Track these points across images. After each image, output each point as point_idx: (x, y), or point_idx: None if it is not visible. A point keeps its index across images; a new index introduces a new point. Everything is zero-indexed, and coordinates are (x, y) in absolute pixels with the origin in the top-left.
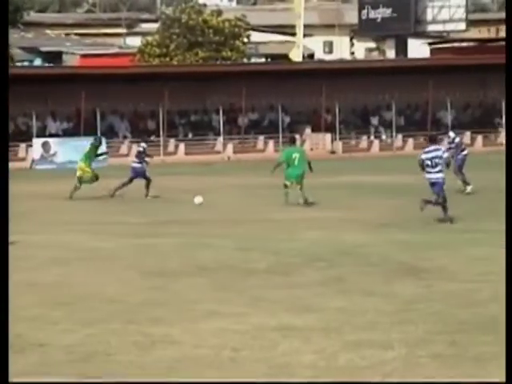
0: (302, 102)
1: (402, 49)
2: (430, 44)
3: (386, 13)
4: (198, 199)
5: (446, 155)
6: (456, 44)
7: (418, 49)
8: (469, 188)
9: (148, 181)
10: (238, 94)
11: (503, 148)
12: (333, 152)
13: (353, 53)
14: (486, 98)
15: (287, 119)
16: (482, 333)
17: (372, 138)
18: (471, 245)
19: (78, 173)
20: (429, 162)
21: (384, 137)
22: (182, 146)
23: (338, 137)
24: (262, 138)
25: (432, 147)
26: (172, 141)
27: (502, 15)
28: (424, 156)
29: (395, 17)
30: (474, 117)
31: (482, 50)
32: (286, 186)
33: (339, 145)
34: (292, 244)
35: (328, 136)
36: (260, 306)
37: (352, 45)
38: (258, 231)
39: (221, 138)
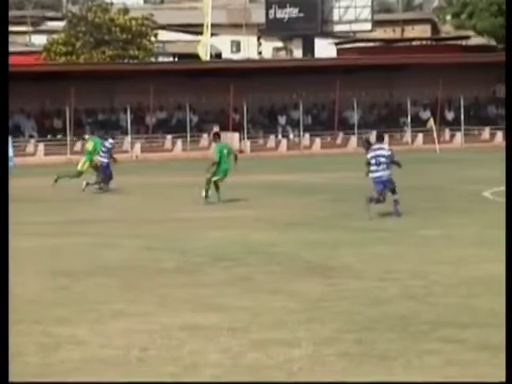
0: (209, 101)
1: (309, 48)
2: (336, 44)
3: (293, 12)
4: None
5: (388, 153)
6: (362, 44)
7: (324, 49)
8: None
9: (104, 177)
10: (145, 93)
11: (408, 147)
12: (241, 151)
13: (260, 52)
14: (391, 97)
15: (195, 118)
16: (388, 330)
17: (279, 137)
18: (377, 243)
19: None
20: (373, 161)
21: (291, 136)
22: None
23: (245, 136)
24: (169, 137)
25: (377, 146)
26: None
27: (407, 16)
28: (369, 155)
29: (302, 17)
30: (379, 116)
31: (387, 50)
32: (209, 182)
33: (247, 144)
34: (200, 243)
35: (236, 135)
36: (167, 305)
37: (259, 44)
38: (166, 231)
39: (128, 138)
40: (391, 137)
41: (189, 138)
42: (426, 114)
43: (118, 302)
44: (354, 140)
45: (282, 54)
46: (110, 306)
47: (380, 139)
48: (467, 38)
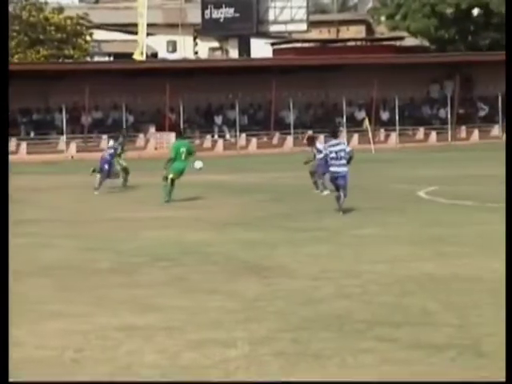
0: (145, 101)
1: (244, 48)
2: (272, 44)
3: (229, 13)
4: (198, 164)
5: (349, 149)
6: (298, 44)
7: (260, 49)
8: (325, 192)
9: (105, 174)
10: (81, 93)
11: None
12: None
13: (196, 52)
14: (327, 97)
15: (131, 118)
16: (323, 329)
17: (216, 137)
18: (313, 243)
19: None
20: (334, 155)
21: (228, 136)
22: (23, 145)
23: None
24: (105, 137)
25: (335, 141)
26: (13, 140)
27: (342, 16)
28: (329, 150)
29: (238, 17)
30: (315, 116)
31: (323, 50)
32: (165, 179)
33: (8, 143)
34: (136, 243)
35: (172, 135)
36: (103, 305)
37: (195, 44)
38: (103, 231)
39: (64, 137)
40: (327, 138)
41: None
42: (361, 115)
43: (55, 302)
44: (290, 140)
45: (218, 54)
46: (47, 307)
47: (335, 135)
48: (401, 38)
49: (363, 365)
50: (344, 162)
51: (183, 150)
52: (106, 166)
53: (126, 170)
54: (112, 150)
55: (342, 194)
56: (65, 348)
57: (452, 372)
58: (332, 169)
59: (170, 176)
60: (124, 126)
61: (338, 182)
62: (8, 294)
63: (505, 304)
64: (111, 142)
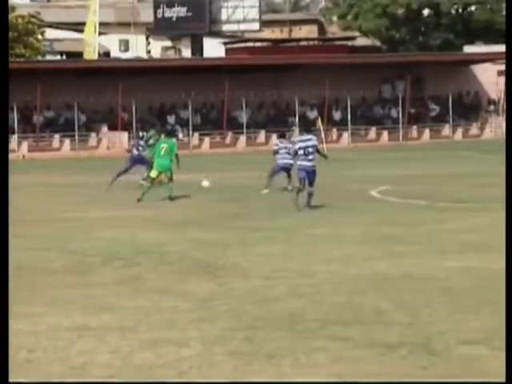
0: (98, 100)
1: (197, 48)
2: (225, 44)
3: (182, 12)
4: (206, 183)
5: (316, 144)
6: (250, 44)
7: (213, 48)
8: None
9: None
10: (32, 92)
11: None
12: (130, 151)
13: (149, 51)
14: (280, 97)
15: (83, 118)
16: (276, 329)
17: None
18: (266, 242)
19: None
20: (301, 151)
21: (181, 135)
22: None
23: (134, 135)
24: (57, 136)
25: (306, 136)
26: None
27: (294, 16)
28: (299, 145)
29: (190, 16)
30: (268, 116)
31: (275, 50)
32: (148, 178)
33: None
34: (89, 243)
35: (125, 135)
36: (56, 306)
37: (148, 43)
38: (55, 231)
39: (15, 137)
40: (280, 137)
41: (77, 138)
42: (313, 114)
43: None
44: (242, 139)
45: (171, 54)
46: None
47: (307, 131)
48: (353, 38)
49: (316, 364)
50: (312, 157)
51: (164, 146)
52: (143, 164)
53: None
54: (142, 143)
55: (310, 190)
56: (17, 348)
57: (403, 370)
58: (301, 163)
59: (152, 174)
60: (76, 126)
61: (305, 177)
62: (8, 294)
63: (505, 304)
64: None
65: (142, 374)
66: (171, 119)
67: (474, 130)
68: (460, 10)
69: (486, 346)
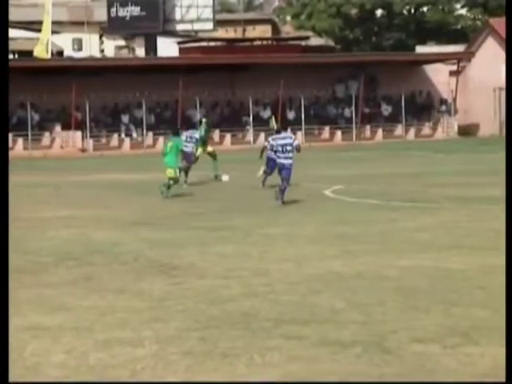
0: (51, 99)
1: (151, 47)
2: (179, 43)
3: (135, 11)
4: (225, 177)
5: (296, 143)
6: (204, 43)
7: (167, 47)
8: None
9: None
10: None
11: (250, 146)
12: (83, 150)
13: (102, 50)
14: (234, 96)
15: (36, 117)
16: (231, 328)
17: (123, 136)
18: (221, 242)
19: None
20: (280, 148)
21: (135, 135)
22: None
23: (88, 135)
24: (10, 135)
25: (282, 135)
26: None
27: (248, 16)
28: (275, 142)
29: (144, 15)
30: (222, 115)
31: (229, 49)
32: (170, 179)
33: (90, 143)
34: (44, 243)
35: (78, 134)
36: (10, 306)
37: (102, 42)
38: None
39: None
40: (234, 136)
41: (30, 137)
42: (267, 114)
43: None
44: None
45: (125, 53)
46: None
47: (285, 129)
48: (307, 38)
49: (270, 363)
50: (289, 154)
51: (170, 144)
52: (192, 157)
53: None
54: (194, 140)
55: (283, 185)
56: None
57: (357, 368)
58: (278, 160)
59: (169, 171)
60: (29, 125)
61: (281, 173)
62: (8, 294)
63: (505, 304)
64: (191, 132)
65: (97, 374)
66: (125, 119)
67: (426, 129)
68: (412, 11)
69: (439, 345)
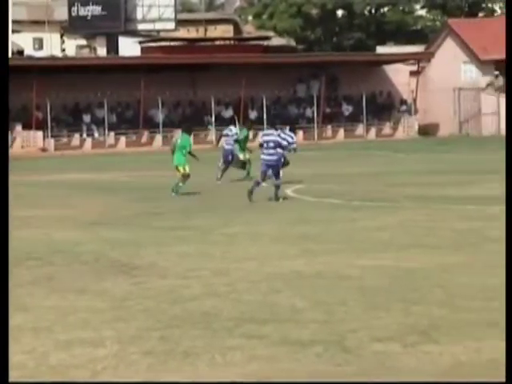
0: (12, 99)
1: (112, 47)
2: (140, 43)
3: (96, 10)
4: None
5: (285, 143)
6: (166, 43)
7: (129, 47)
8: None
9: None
10: None
11: (212, 146)
12: (44, 150)
13: (64, 50)
14: (195, 96)
15: None
16: (192, 327)
17: (84, 135)
18: (182, 241)
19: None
20: (265, 145)
21: (96, 134)
22: None
23: (49, 134)
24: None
25: (268, 131)
26: None
27: (210, 15)
28: (262, 139)
29: (105, 15)
30: (184, 115)
31: (191, 49)
32: (183, 176)
33: (51, 142)
34: None
35: (39, 133)
36: None
37: (63, 42)
38: None
39: None
40: (196, 135)
41: None
42: (228, 113)
43: None
44: (159, 138)
45: (86, 52)
46: None
47: (272, 127)
48: (268, 38)
49: (232, 362)
50: (272, 151)
51: (178, 141)
52: (230, 157)
53: (248, 162)
54: (233, 138)
55: (276, 182)
56: None
57: (318, 367)
58: (261, 156)
59: (179, 168)
60: None
61: (266, 170)
62: (8, 294)
63: (505, 304)
64: (233, 129)
65: (57, 375)
66: (87, 118)
67: (386, 129)
68: (373, 11)
69: (399, 343)
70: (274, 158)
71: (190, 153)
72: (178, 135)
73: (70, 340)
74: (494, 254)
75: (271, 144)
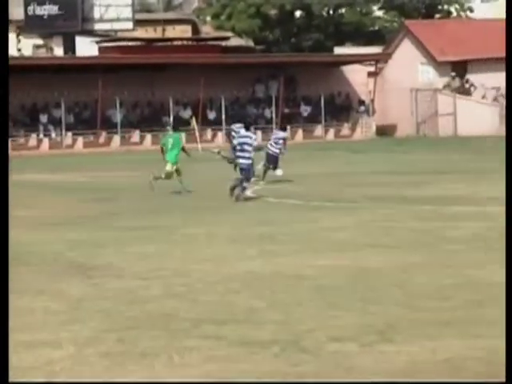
0: None
1: (69, 46)
2: (97, 42)
3: (53, 10)
4: (279, 172)
5: (256, 143)
6: (124, 43)
7: (86, 47)
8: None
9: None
10: None
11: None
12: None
13: (20, 49)
14: (154, 97)
15: None
16: (150, 328)
17: (41, 135)
18: (141, 242)
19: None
20: (239, 147)
21: (53, 135)
22: None
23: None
24: None
25: (244, 133)
26: None
27: (168, 15)
28: (237, 140)
29: (62, 14)
30: (142, 115)
31: (149, 49)
32: (170, 174)
33: (8, 143)
34: None
35: None
36: None
37: (19, 41)
38: None
39: None
40: (154, 136)
41: None
42: (187, 114)
43: None
44: (117, 139)
45: (43, 52)
46: None
47: (247, 128)
48: (227, 38)
49: (189, 363)
50: (247, 154)
51: (170, 140)
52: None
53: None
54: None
55: (244, 184)
56: None
57: (275, 368)
58: (236, 160)
59: (167, 167)
60: None
61: (240, 172)
62: (8, 294)
63: (505, 304)
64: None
65: (13, 376)
66: (44, 118)
67: (345, 130)
68: (331, 12)
69: (356, 343)
70: (248, 161)
71: (183, 149)
72: (167, 134)
73: (27, 341)
74: (450, 254)
75: (246, 146)
